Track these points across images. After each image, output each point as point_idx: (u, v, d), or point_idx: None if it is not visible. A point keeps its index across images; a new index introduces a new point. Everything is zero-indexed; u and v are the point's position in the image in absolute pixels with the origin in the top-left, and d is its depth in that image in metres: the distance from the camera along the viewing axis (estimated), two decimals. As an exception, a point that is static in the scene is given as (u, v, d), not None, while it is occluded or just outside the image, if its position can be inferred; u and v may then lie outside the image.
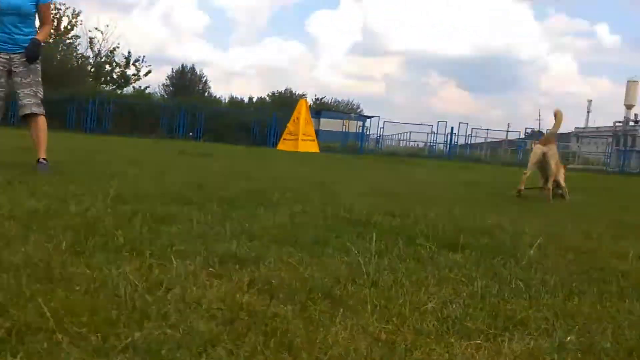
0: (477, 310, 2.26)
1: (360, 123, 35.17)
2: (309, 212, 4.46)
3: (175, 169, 8.07)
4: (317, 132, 31.28)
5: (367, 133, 36.47)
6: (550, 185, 7.75)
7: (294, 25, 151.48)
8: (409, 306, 2.23)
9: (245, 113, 36.40)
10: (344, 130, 34.21)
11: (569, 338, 2.02)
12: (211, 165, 9.82)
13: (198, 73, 60.55)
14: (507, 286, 2.69)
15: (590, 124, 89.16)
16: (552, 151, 7.89)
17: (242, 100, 55.16)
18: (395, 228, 3.99)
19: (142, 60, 47.50)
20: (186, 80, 58.92)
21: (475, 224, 4.56)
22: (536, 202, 7.20)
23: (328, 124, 36.42)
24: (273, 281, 2.38)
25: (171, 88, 58.03)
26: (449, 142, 34.17)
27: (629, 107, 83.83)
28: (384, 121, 36.61)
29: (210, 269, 2.54)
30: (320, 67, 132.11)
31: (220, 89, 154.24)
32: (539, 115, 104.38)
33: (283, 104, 44.52)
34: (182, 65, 61.17)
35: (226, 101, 51.35)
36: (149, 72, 47.67)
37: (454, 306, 2.29)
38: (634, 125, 74.60)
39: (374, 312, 2.14)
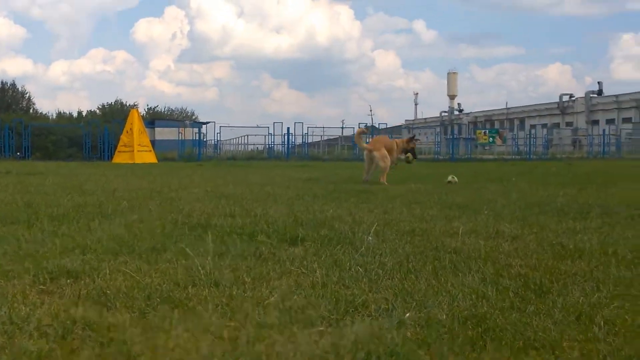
0: (318, 299, 2.29)
1: (196, 130, 34.71)
2: (146, 221, 4.33)
3: (0, 190, 7.51)
4: (153, 142, 30.52)
5: (205, 139, 36.08)
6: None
7: (119, 34, 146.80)
8: (251, 302, 2.21)
9: (75, 128, 34.73)
10: (180, 139, 33.57)
11: (407, 315, 2.09)
12: (41, 183, 9.24)
13: (20, 89, 57.12)
14: (347, 273, 2.75)
15: (419, 116, 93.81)
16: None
17: (71, 115, 52.68)
18: (236, 228, 3.96)
19: (-47, 77, 43.97)
20: (8, 98, 55.38)
21: (315, 217, 4.63)
22: (373, 193, 7.42)
23: (163, 133, 35.55)
24: (108, 292, 2.28)
25: (-10, 107, 54.28)
26: (286, 142, 34.60)
27: (451, 97, 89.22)
28: (220, 126, 36.26)
29: (41, 287, 2.39)
30: (150, 76, 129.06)
31: (47, 105, 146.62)
32: (370, 110, 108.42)
33: (115, 115, 43.02)
34: (2, 81, 57.33)
35: (54, 117, 48.89)
36: (-37, 90, 44.14)
37: (296, 297, 2.30)
38: (458, 114, 79.50)
39: (216, 311, 2.10)
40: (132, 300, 2.20)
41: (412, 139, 11.01)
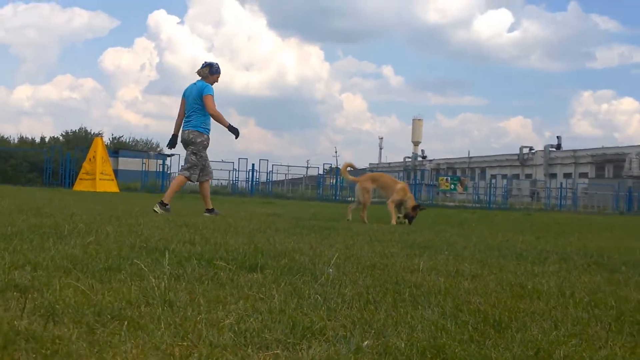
0: (275, 323, 2.23)
1: (160, 161, 34.44)
2: (102, 243, 4.22)
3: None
4: (116, 171, 30.21)
5: (169, 172, 35.80)
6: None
7: (86, 62, 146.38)
8: (205, 323, 2.15)
9: (37, 153, 34.20)
10: (144, 169, 33.28)
11: (365, 343, 2.04)
12: (-4, 204, 9.01)
13: (-18, 111, 56.17)
14: (306, 300, 2.70)
15: (383, 160, 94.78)
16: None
17: (33, 140, 51.89)
18: (194, 254, 3.87)
19: None
20: (-32, 119, 54.45)
21: (276, 248, 4.58)
22: (335, 230, 7.38)
23: (127, 163, 35.26)
24: (57, 306, 2.19)
25: (-50, 129, 53.20)
26: (250, 179, 34.52)
27: (415, 143, 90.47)
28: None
29: (-15, 300, 2.29)
30: (116, 105, 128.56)
31: (9, 129, 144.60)
32: (336, 151, 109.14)
33: (78, 143, 42.48)
34: (-37, 103, 56.30)
35: (15, 141, 48.10)
36: None
37: (252, 320, 2.24)
38: (421, 161, 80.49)
39: (168, 330, 2.03)
40: (81, 316, 2.12)
41: (418, 207, 10.38)
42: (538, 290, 3.41)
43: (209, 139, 9.65)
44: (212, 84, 9.55)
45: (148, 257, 3.64)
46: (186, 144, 9.57)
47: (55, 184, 28.47)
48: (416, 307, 2.74)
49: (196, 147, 9.46)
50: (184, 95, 9.65)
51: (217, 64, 9.64)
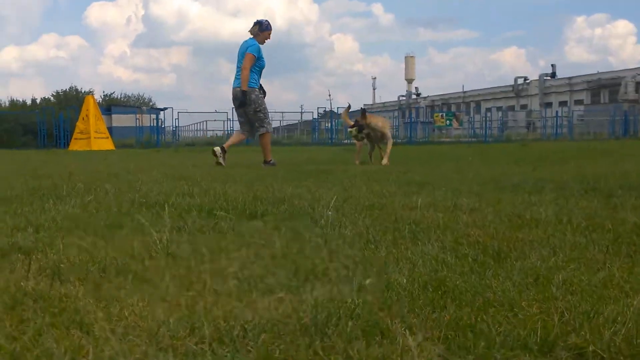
0: (278, 268, 2.26)
1: (154, 116, 34.26)
2: (102, 201, 4.24)
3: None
4: (110, 128, 30.09)
5: (163, 126, 35.65)
6: None
7: (71, 19, 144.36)
8: (209, 272, 2.18)
9: (29, 115, 33.96)
10: (137, 125, 33.13)
11: (368, 281, 2.07)
12: (-8, 169, 9.03)
13: (-31, 76, 55.57)
14: (307, 244, 2.73)
15: (377, 100, 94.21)
16: None
17: (24, 102, 51.44)
18: (194, 206, 3.90)
19: None
20: (-44, 85, 53.90)
21: (275, 195, 4.60)
22: (332, 173, 7.43)
23: (120, 119, 35.01)
24: (62, 265, 2.22)
25: (-61, 95, 52.67)
26: (246, 127, 34.33)
27: (409, 81, 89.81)
28: (179, 112, 35.92)
29: (-9, 263, 2.31)
30: (105, 62, 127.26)
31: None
32: (329, 95, 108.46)
33: (69, 102, 42.11)
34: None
35: (7, 104, 47.79)
36: None
37: (255, 267, 2.27)
38: (415, 98, 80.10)
39: (173, 281, 2.06)
40: (86, 273, 2.15)
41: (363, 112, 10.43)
42: (536, 219, 3.44)
43: (259, 91, 9.93)
44: (262, 42, 9.85)
45: (148, 212, 3.66)
46: (237, 101, 9.87)
47: (51, 146, 28.36)
48: (416, 243, 2.78)
49: (255, 105, 9.83)
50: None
51: (266, 20, 9.86)
